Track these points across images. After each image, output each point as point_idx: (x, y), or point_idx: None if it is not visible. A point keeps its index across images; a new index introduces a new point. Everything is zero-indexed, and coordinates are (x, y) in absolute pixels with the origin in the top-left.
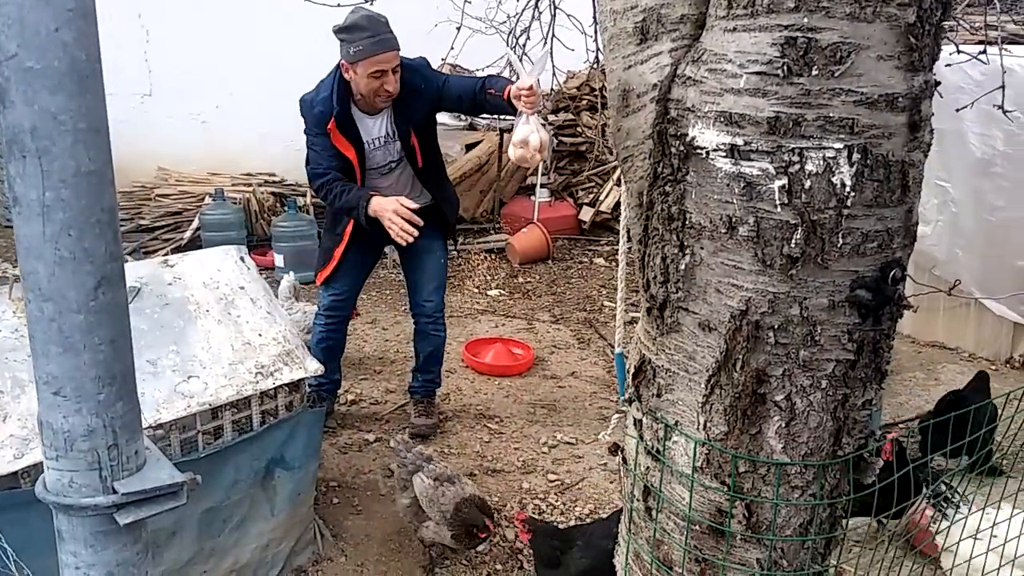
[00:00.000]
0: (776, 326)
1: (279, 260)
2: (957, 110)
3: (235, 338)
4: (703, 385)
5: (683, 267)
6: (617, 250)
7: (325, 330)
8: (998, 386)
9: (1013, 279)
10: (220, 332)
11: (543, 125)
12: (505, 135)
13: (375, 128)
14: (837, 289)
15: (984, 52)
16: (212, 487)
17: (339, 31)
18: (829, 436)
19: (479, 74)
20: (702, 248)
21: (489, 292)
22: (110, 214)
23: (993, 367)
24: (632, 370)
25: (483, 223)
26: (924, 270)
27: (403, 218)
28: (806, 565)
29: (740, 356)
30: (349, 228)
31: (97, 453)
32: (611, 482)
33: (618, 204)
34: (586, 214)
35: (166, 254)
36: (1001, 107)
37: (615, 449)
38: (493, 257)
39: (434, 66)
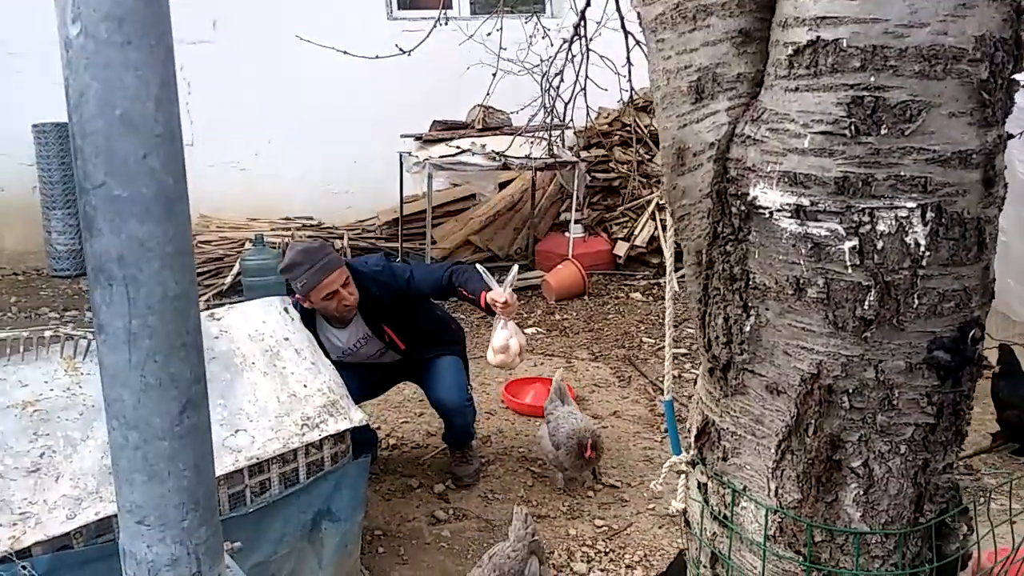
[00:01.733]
0: (850, 390)
1: None
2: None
3: (281, 390)
4: (773, 450)
5: (748, 328)
6: (654, 285)
7: None
8: None
9: None
10: (266, 385)
11: (519, 329)
12: (539, 173)
13: (350, 339)
14: (914, 351)
15: None
16: (260, 541)
17: (282, 271)
18: (910, 503)
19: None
20: (767, 309)
21: (526, 331)
22: (195, 335)
23: None
24: (694, 431)
25: (518, 260)
26: None
27: None
28: None
29: (812, 421)
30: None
31: None
32: (660, 527)
33: (653, 238)
34: (621, 248)
35: (208, 299)
36: None
37: (683, 514)
38: (529, 295)
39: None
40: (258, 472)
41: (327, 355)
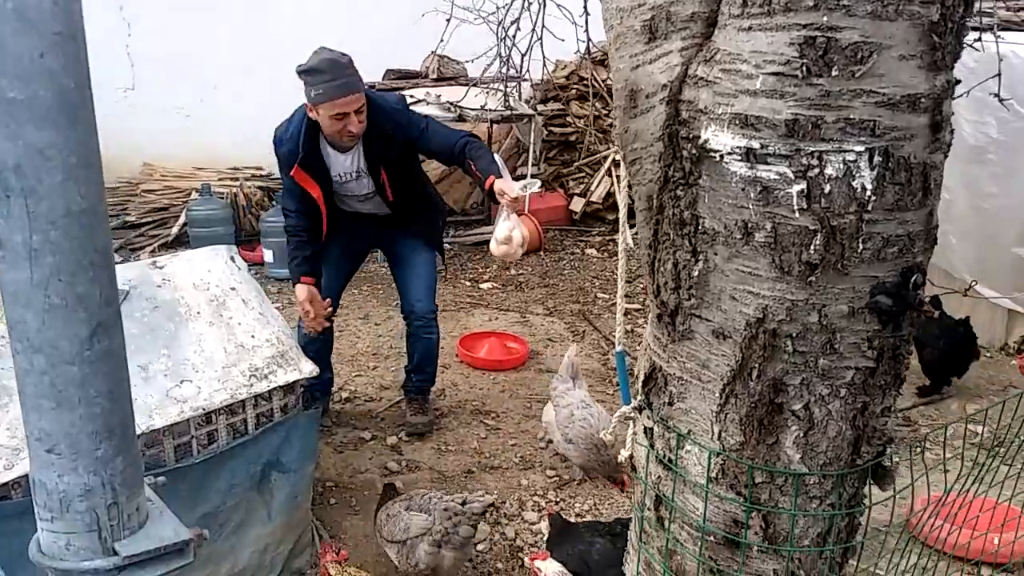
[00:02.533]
0: (794, 334)
1: (268, 256)
2: (952, 98)
3: (227, 340)
4: (717, 394)
5: (696, 273)
6: (609, 241)
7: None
8: (992, 373)
9: (1008, 266)
10: (212, 335)
11: (520, 222)
12: (495, 125)
13: (345, 163)
14: (857, 296)
15: (979, 39)
16: (208, 492)
17: (301, 73)
18: (848, 445)
19: (468, 66)
20: (716, 254)
21: (481, 285)
22: (104, 255)
23: (988, 354)
24: (642, 377)
25: (473, 215)
26: None
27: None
28: (823, 575)
29: (756, 365)
30: (325, 228)
31: (95, 513)
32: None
33: (609, 194)
34: (577, 204)
35: (153, 251)
36: (997, 95)
37: (628, 460)
38: (485, 249)
39: (422, 62)
40: (205, 423)
41: (326, 177)
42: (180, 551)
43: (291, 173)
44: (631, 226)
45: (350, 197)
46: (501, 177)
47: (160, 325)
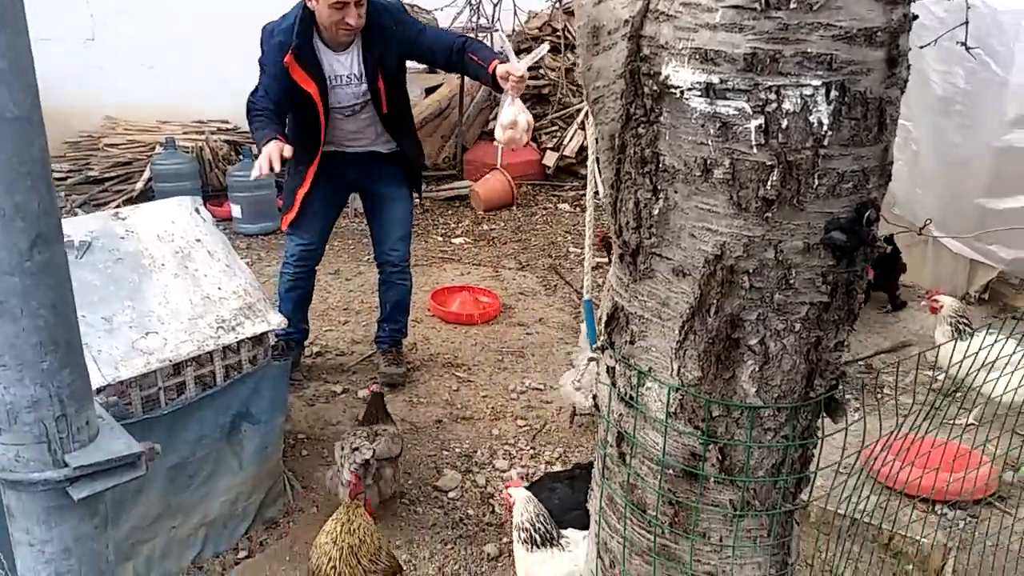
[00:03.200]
0: (751, 270)
1: (236, 211)
2: (921, 47)
3: (193, 292)
4: (677, 331)
5: (656, 212)
6: (582, 195)
7: (293, 279)
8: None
9: (971, 216)
10: (177, 286)
11: (524, 107)
12: (467, 78)
13: (341, 65)
14: (812, 231)
15: None
16: (177, 443)
17: None
18: (802, 379)
19: (439, 15)
20: (676, 192)
21: (454, 240)
22: (41, 165)
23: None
24: (604, 318)
25: (446, 170)
26: (885, 208)
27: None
28: (777, 504)
29: (714, 301)
30: (312, 169)
31: (44, 425)
32: (580, 425)
33: (582, 148)
34: (550, 159)
35: (118, 206)
36: (964, 44)
37: (594, 399)
38: (457, 204)
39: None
40: (173, 375)
41: (321, 76)
42: (132, 464)
43: (285, 61)
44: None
45: (337, 111)
46: (504, 61)
47: (124, 277)
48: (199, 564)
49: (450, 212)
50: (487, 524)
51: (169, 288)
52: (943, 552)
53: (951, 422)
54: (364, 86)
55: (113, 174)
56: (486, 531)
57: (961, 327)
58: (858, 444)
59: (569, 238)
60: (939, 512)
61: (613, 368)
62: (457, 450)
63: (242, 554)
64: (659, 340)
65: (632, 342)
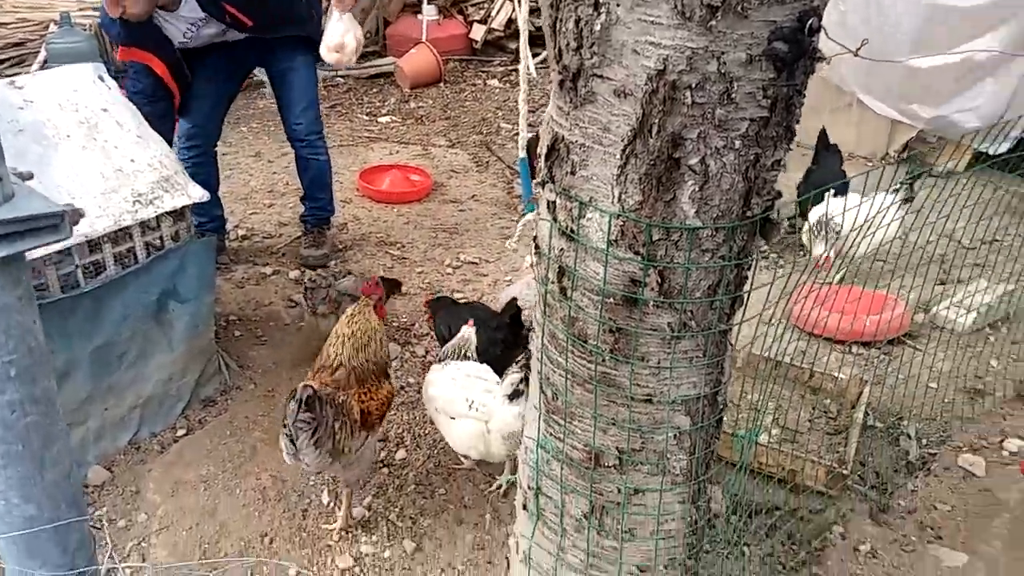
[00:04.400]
0: (693, 85)
1: None
2: None
3: (104, 165)
4: (618, 156)
5: (598, 28)
6: (512, 71)
7: (189, 163)
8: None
9: (897, 76)
10: (86, 159)
11: (356, 24)
12: None
13: (184, 21)
14: (755, 42)
15: None
16: (101, 324)
17: None
18: (740, 198)
19: None
20: (618, 5)
21: (380, 119)
22: None
23: (870, 163)
24: (544, 151)
25: (368, 47)
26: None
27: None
28: (713, 325)
29: (656, 120)
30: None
31: None
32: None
33: (511, 21)
34: (477, 32)
35: None
36: None
37: (534, 240)
38: (382, 82)
39: None
40: (89, 252)
41: (164, 46)
42: (54, 227)
43: (119, 57)
44: (533, 55)
45: (209, 39)
46: None
47: (26, 149)
48: (136, 444)
49: (375, 90)
50: None
51: (77, 161)
52: (859, 385)
53: (860, 269)
54: (216, 22)
55: (4, 56)
56: None
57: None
58: (782, 296)
59: (500, 114)
60: (856, 352)
61: (553, 203)
62: (395, 324)
63: (181, 432)
64: (600, 168)
65: (573, 172)
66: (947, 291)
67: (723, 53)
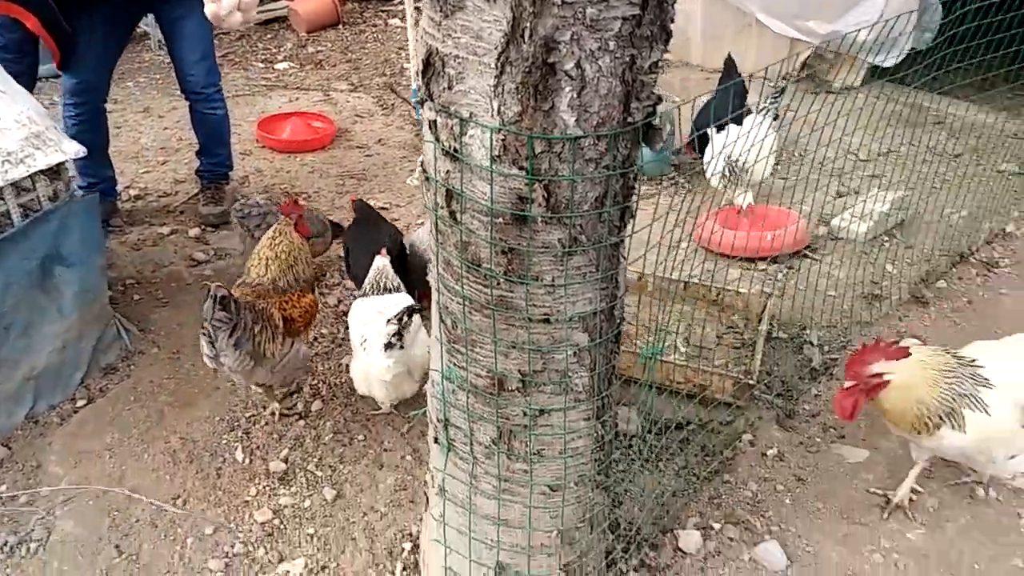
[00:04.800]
0: None
1: None
2: None
3: None
4: (493, 66)
5: None
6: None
7: (76, 121)
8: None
9: None
10: None
11: None
12: None
13: None
14: None
15: None
16: None
17: None
18: (619, 103)
19: None
20: None
21: (277, 66)
22: None
23: (771, 83)
24: (420, 67)
25: None
26: None
27: None
28: (604, 238)
29: (527, 24)
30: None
31: None
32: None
33: None
34: None
35: None
36: None
37: (421, 167)
38: (276, 27)
39: None
40: None
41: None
42: None
43: None
44: None
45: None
46: None
47: None
48: (34, 419)
49: (269, 36)
50: (342, 339)
51: None
52: (762, 298)
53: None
54: None
55: None
56: (342, 346)
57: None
58: (687, 219)
59: (403, 55)
60: (760, 268)
61: (435, 122)
62: None
63: (81, 403)
64: (477, 80)
65: (450, 87)
66: (845, 203)
67: None
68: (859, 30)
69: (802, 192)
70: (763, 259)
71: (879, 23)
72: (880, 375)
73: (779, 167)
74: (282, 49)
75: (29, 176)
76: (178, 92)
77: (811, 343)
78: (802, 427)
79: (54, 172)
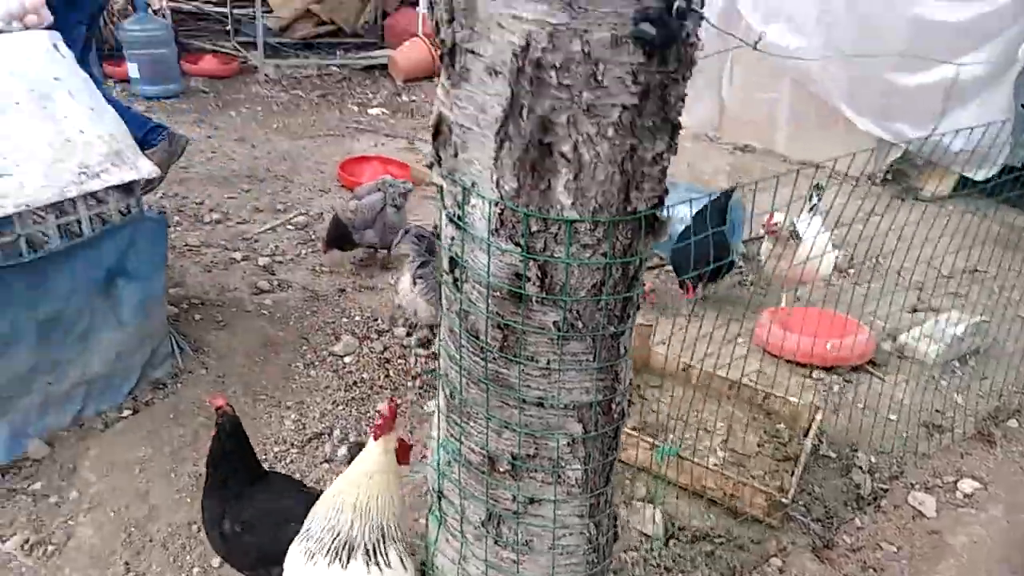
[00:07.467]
0: (558, 64)
1: (133, 70)
2: None
3: (53, 135)
4: (493, 138)
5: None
6: None
7: None
8: (859, 202)
9: (879, 92)
10: (34, 128)
11: None
12: None
13: None
14: (620, 21)
15: None
16: (46, 295)
17: None
18: (618, 191)
19: None
20: None
21: (370, 110)
22: None
23: (855, 183)
24: (432, 131)
25: (364, 37)
26: (802, 86)
27: None
28: (602, 326)
29: (525, 102)
30: None
31: None
32: None
33: None
34: None
35: None
36: None
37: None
38: (376, 74)
39: None
40: (32, 222)
41: None
42: None
43: None
44: None
45: None
46: None
47: None
48: (80, 421)
49: (368, 81)
50: (380, 387)
51: (24, 129)
52: (810, 411)
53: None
54: None
55: None
56: (380, 393)
57: (792, 232)
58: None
59: None
60: (816, 377)
61: (442, 188)
62: (357, 318)
63: (126, 412)
64: (479, 151)
65: (456, 155)
66: (919, 320)
67: (586, 31)
68: (945, 135)
69: (875, 302)
70: (821, 368)
71: (968, 129)
72: None
73: (852, 271)
74: (378, 95)
75: (104, 190)
76: (273, 126)
77: (860, 468)
78: (839, 561)
79: (127, 188)
